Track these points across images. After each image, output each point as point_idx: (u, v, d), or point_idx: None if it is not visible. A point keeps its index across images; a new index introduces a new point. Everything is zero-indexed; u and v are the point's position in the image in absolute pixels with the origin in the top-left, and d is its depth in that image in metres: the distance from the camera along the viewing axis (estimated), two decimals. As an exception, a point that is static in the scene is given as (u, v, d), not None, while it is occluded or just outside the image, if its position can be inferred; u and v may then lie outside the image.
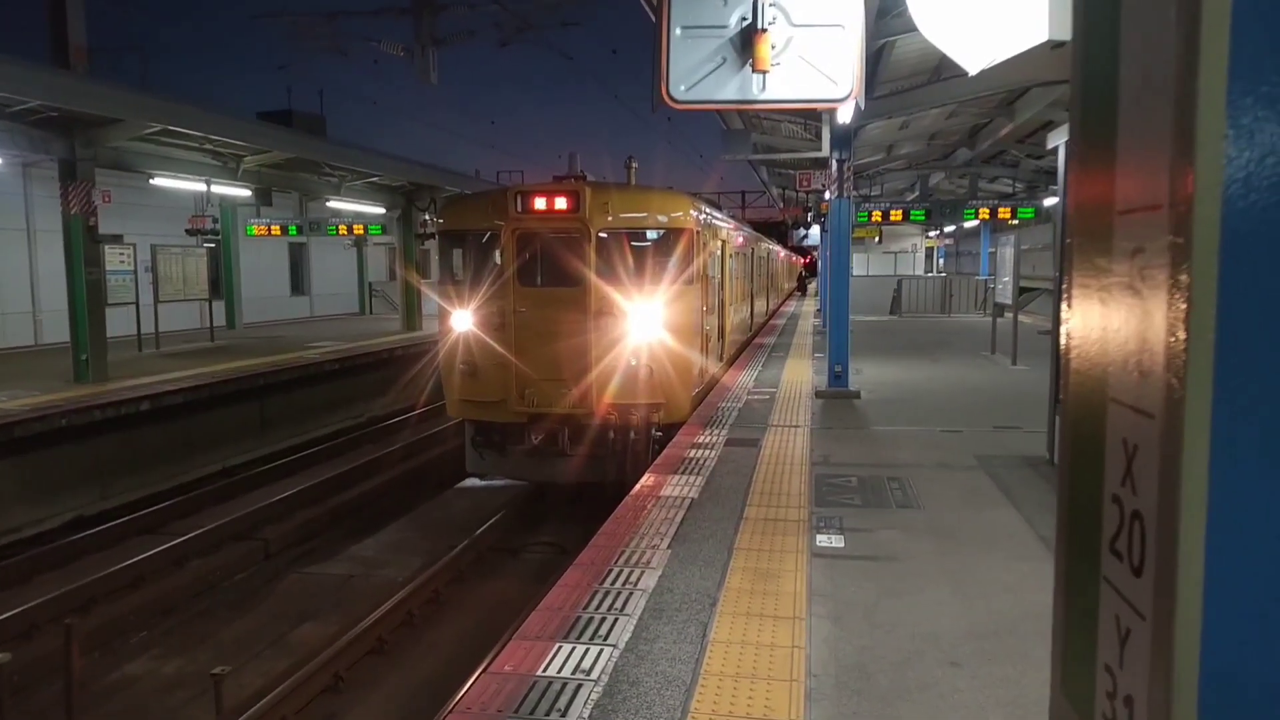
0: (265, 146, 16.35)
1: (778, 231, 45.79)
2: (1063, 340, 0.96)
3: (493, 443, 10.17)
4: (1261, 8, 0.66)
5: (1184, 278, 0.70)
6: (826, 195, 13.85)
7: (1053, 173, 18.90)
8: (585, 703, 3.48)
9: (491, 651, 6.21)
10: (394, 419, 15.86)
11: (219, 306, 20.58)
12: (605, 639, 4.05)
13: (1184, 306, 0.70)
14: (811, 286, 45.07)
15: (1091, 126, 0.90)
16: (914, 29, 5.38)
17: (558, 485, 10.25)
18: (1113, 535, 0.84)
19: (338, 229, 22.30)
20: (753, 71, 5.66)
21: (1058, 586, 0.99)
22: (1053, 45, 3.74)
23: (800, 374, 13.07)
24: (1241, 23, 0.67)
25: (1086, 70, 0.92)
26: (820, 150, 11.86)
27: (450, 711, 4.18)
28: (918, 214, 20.18)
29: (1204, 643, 0.70)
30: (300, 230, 21.97)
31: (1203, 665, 0.70)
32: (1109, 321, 0.84)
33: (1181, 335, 0.70)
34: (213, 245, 20.31)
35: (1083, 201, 0.91)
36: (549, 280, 9.78)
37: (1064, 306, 0.95)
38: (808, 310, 29.35)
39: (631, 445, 9.55)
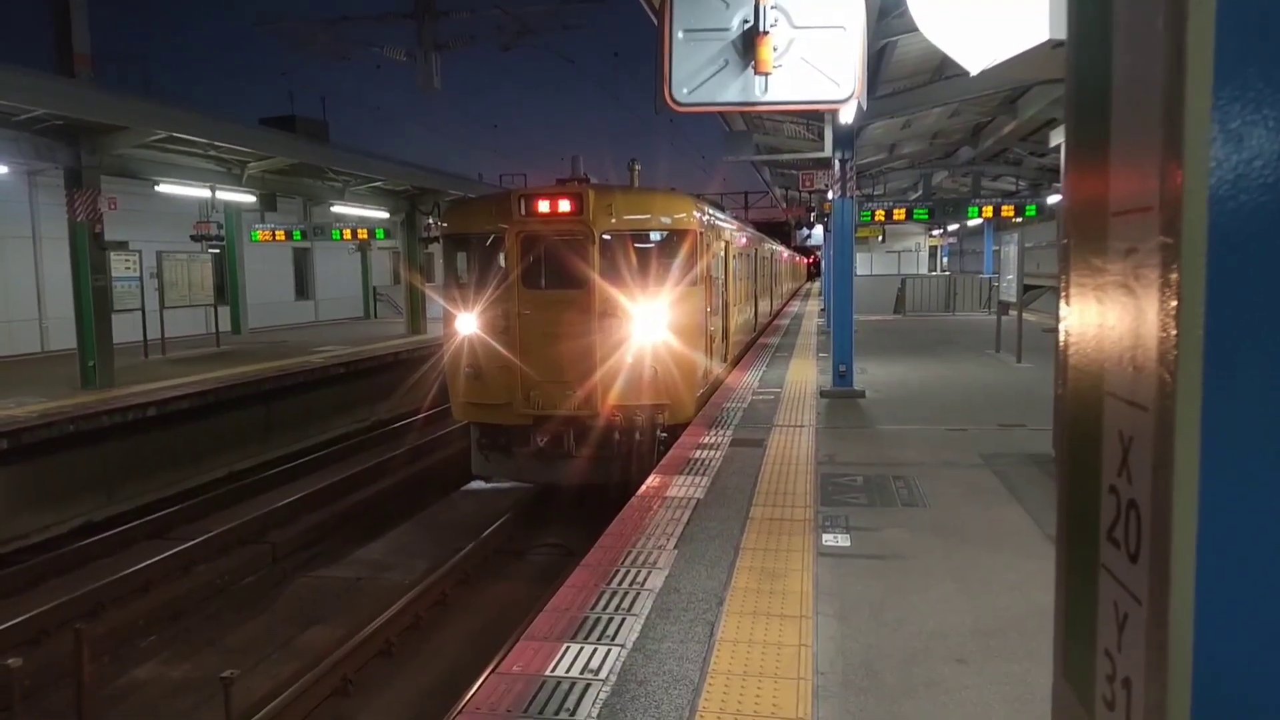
0: (269, 152, 16.42)
1: (781, 232, 45.80)
2: (1061, 337, 0.99)
3: (498, 445, 10.19)
4: (1245, 15, 0.69)
5: (1174, 276, 0.73)
6: (829, 195, 13.87)
7: (1056, 170, 18.91)
8: (594, 702, 3.50)
9: (500, 652, 6.24)
10: (399, 422, 15.91)
11: (224, 312, 20.64)
12: (613, 639, 4.07)
13: (1174, 304, 0.73)
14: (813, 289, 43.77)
15: (1085, 130, 0.93)
16: (915, 29, 5.41)
17: (563, 487, 10.28)
18: (1110, 524, 0.87)
19: (342, 234, 22.34)
20: (755, 73, 5.68)
21: (1059, 575, 1.02)
22: (1054, 44, 3.77)
23: (805, 374, 13.09)
24: (1226, 30, 0.70)
25: (1080, 74, 0.95)
26: (823, 150, 11.87)
27: (460, 711, 4.21)
28: (921, 213, 20.18)
29: (1197, 625, 0.73)
30: (304, 235, 22.02)
31: (1196, 647, 0.73)
32: (1105, 319, 0.87)
33: (1172, 331, 0.73)
34: (217, 251, 20.38)
35: (1078, 203, 0.94)
36: (553, 282, 9.80)
37: (1062, 305, 0.98)
38: (812, 311, 29.36)
39: (637, 446, 9.57)
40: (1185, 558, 0.73)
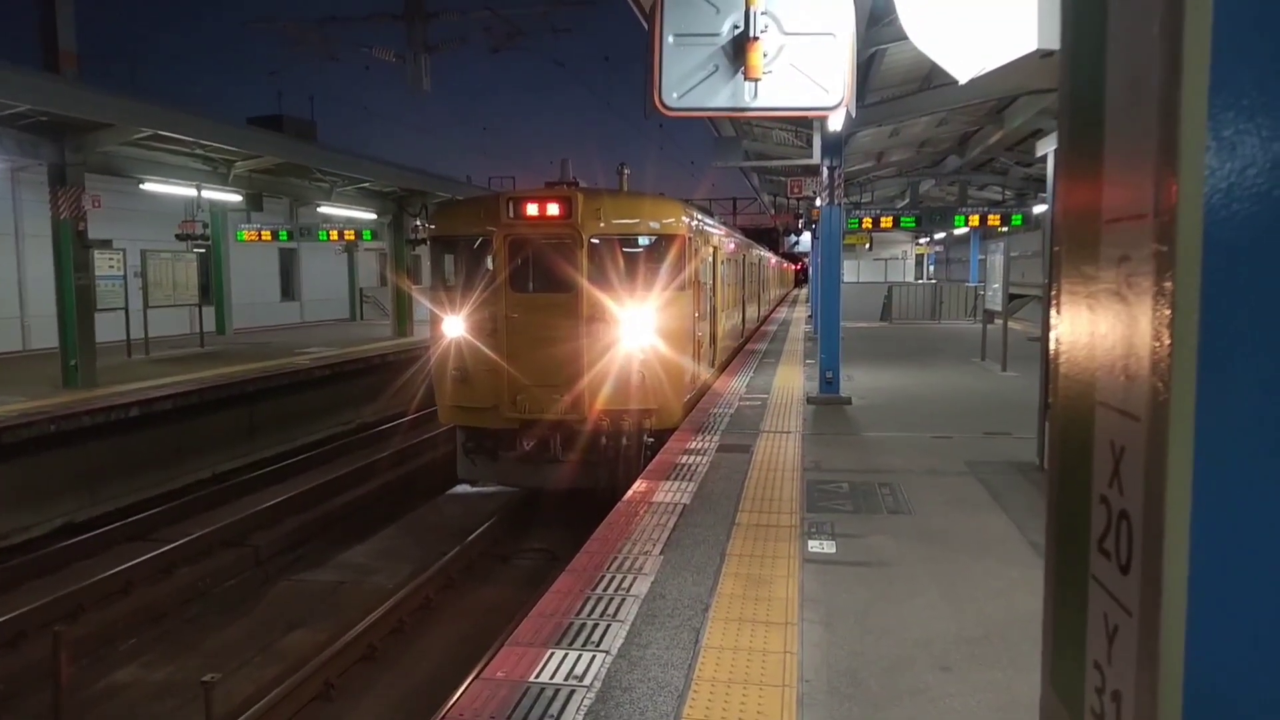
0: (256, 152, 16.33)
1: (769, 238, 45.93)
2: (1052, 345, 0.98)
3: (484, 449, 10.16)
4: (1242, 25, 0.69)
5: (1168, 284, 0.72)
6: (817, 202, 13.90)
7: (1042, 180, 19.02)
8: (578, 709, 3.48)
9: (484, 658, 6.20)
10: (384, 425, 15.83)
11: (209, 312, 20.49)
12: (598, 645, 4.05)
13: (1168, 312, 0.72)
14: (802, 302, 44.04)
15: (1079, 137, 0.93)
16: (905, 37, 5.43)
17: (549, 491, 10.25)
18: (1101, 534, 0.87)
19: (329, 234, 22.24)
20: (744, 79, 5.69)
21: (1048, 585, 1.01)
22: (1042, 54, 3.79)
23: (792, 380, 13.10)
24: (1222, 38, 0.69)
25: (1074, 82, 0.95)
26: (811, 157, 11.90)
27: (443, 717, 4.18)
28: (908, 221, 20.26)
29: (1189, 638, 0.72)
30: (291, 236, 21.90)
31: (1188, 660, 0.72)
32: (1096, 327, 0.86)
33: (1166, 340, 0.72)
34: (203, 250, 20.25)
35: (1070, 210, 0.94)
36: (541, 286, 9.78)
37: (1053, 313, 0.98)
38: (799, 317, 29.43)
39: (623, 451, 9.55)
40: (1177, 569, 0.72)
